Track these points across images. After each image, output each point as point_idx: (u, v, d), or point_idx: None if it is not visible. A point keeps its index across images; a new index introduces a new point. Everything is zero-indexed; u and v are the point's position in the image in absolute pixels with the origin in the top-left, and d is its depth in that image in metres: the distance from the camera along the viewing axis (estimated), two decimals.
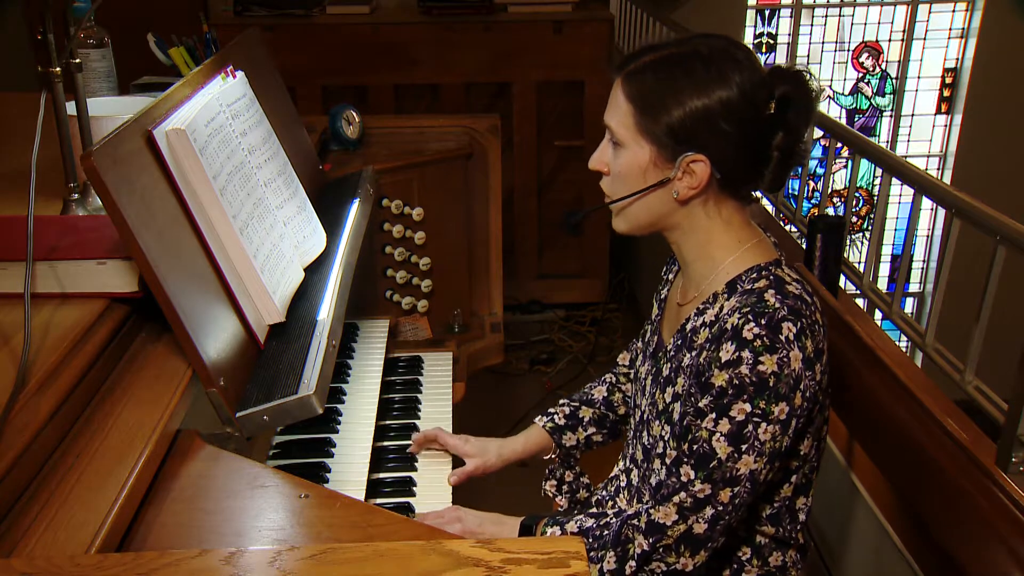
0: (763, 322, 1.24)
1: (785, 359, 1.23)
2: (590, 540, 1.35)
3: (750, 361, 1.23)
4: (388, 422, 1.75)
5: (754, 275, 1.32)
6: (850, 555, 1.88)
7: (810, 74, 1.31)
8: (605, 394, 1.69)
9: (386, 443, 1.68)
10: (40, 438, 1.02)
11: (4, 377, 1.04)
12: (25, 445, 0.98)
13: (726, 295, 1.33)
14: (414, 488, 1.58)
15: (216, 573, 0.85)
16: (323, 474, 1.49)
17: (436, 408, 1.82)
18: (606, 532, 1.35)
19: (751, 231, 1.36)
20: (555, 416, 1.67)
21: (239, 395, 1.28)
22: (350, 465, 1.53)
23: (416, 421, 1.76)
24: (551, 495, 1.69)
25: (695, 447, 1.28)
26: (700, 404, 1.28)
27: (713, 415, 1.26)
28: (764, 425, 1.24)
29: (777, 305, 1.25)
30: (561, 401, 1.71)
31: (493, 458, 1.63)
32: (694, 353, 1.33)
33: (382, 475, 1.60)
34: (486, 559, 0.84)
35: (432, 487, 1.58)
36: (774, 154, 1.30)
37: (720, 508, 1.27)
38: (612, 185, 1.37)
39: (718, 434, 1.25)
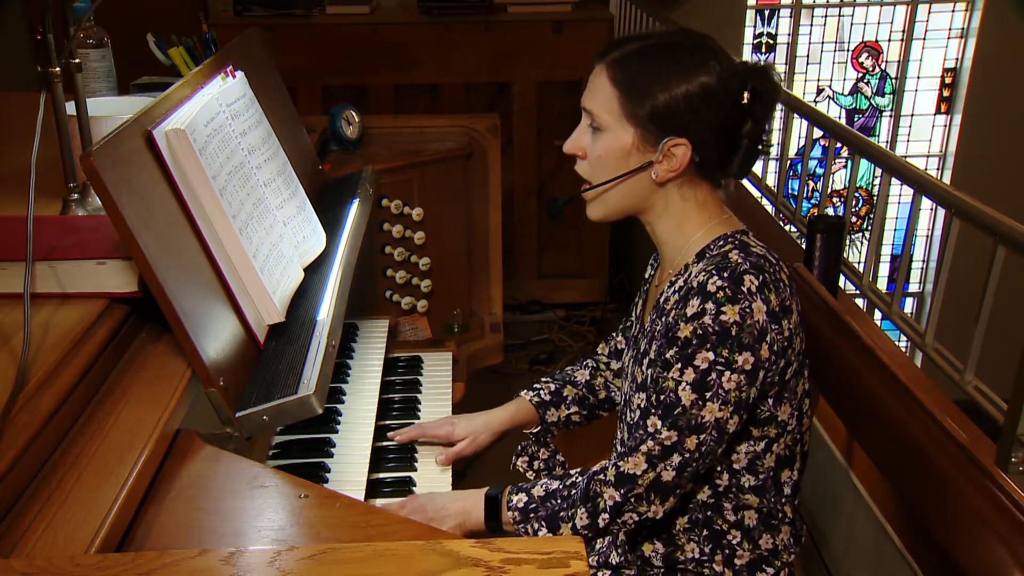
0: (725, 275, 1.30)
1: (747, 309, 1.29)
2: (558, 500, 1.39)
3: (712, 312, 1.29)
4: (388, 422, 1.75)
5: (721, 242, 1.39)
6: (850, 555, 1.88)
7: (772, 68, 1.39)
8: (588, 377, 1.73)
9: (386, 443, 1.68)
10: (40, 438, 1.02)
11: (4, 377, 1.05)
12: (25, 445, 0.99)
13: (696, 262, 1.39)
14: (414, 488, 1.57)
15: (216, 573, 0.85)
16: (323, 474, 1.49)
17: (436, 408, 1.82)
18: (573, 491, 1.38)
19: (721, 211, 1.43)
20: (541, 391, 1.70)
21: (239, 395, 1.28)
22: (350, 465, 1.53)
23: (416, 421, 1.76)
24: (522, 470, 1.71)
25: (662, 397, 1.32)
26: (666, 356, 1.33)
27: (679, 365, 1.31)
28: (728, 373, 1.29)
29: (739, 260, 1.32)
30: (544, 378, 1.74)
31: (485, 436, 1.66)
32: (664, 318, 1.38)
33: (382, 475, 1.60)
34: (486, 559, 0.85)
35: (432, 487, 1.58)
36: (744, 141, 1.38)
37: (687, 455, 1.32)
38: (591, 169, 1.41)
39: (683, 383, 1.30)
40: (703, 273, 1.32)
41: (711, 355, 1.29)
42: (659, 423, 1.32)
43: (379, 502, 1.53)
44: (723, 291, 1.29)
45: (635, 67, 1.34)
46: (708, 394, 1.29)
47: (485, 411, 1.69)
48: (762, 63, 1.39)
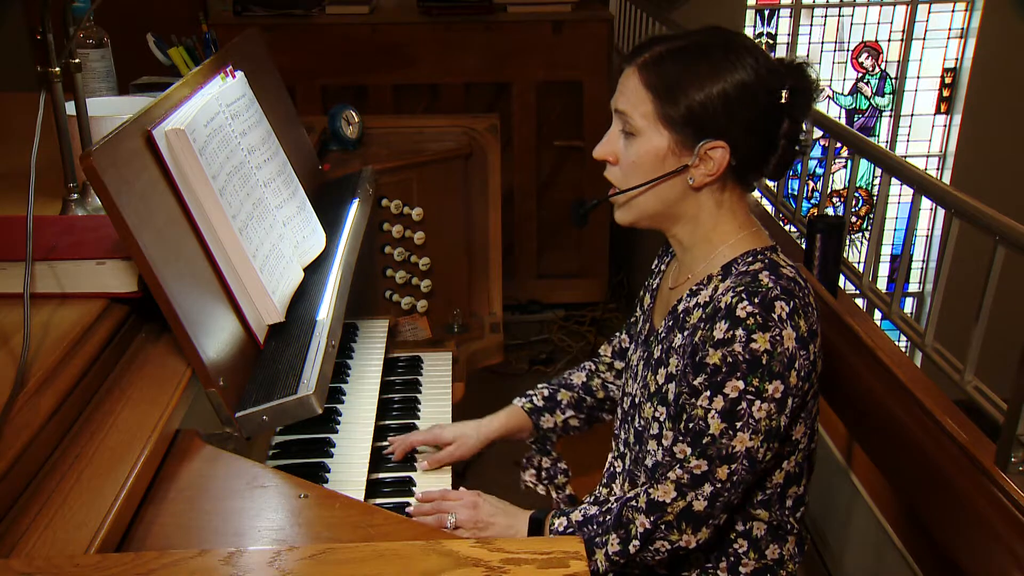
0: (756, 301, 1.26)
1: (778, 337, 1.25)
2: (594, 527, 1.38)
3: (743, 339, 1.25)
4: (388, 422, 1.75)
5: (749, 258, 1.35)
6: (850, 555, 1.88)
7: (810, 65, 1.35)
8: (584, 380, 1.70)
9: (386, 443, 1.68)
10: (39, 438, 1.02)
11: (3, 377, 1.04)
12: (25, 445, 0.98)
13: (721, 277, 1.36)
14: (413, 488, 1.57)
15: (216, 573, 0.85)
16: (322, 474, 1.49)
17: (435, 408, 1.82)
18: (608, 517, 1.37)
19: (750, 220, 1.40)
20: (534, 397, 1.68)
21: (238, 395, 1.28)
22: (350, 465, 1.53)
23: (416, 421, 1.76)
24: (531, 485, 1.70)
25: (691, 425, 1.30)
26: (694, 382, 1.30)
27: (707, 393, 1.28)
28: (758, 403, 1.26)
29: (771, 284, 1.28)
30: (540, 384, 1.72)
31: (472, 441, 1.63)
32: (686, 333, 1.36)
33: (382, 475, 1.60)
34: (485, 559, 0.84)
35: (432, 487, 1.57)
36: (781, 142, 1.34)
37: (719, 485, 1.29)
38: (623, 175, 1.37)
39: (712, 411, 1.28)
40: (731, 294, 1.28)
41: (741, 384, 1.26)
42: (688, 451, 1.30)
43: (377, 501, 1.53)
44: (754, 318, 1.25)
45: (668, 68, 1.30)
46: (739, 424, 1.27)
47: (476, 420, 1.66)
48: (798, 59, 1.35)
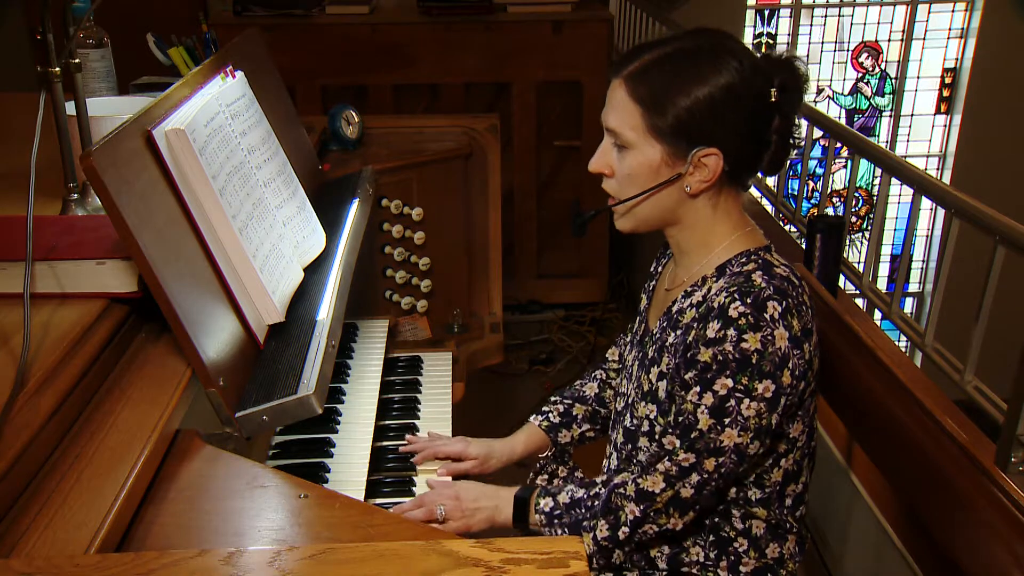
0: (748, 301, 1.27)
1: (769, 337, 1.26)
2: (582, 510, 1.40)
3: (734, 339, 1.26)
4: (388, 422, 1.75)
5: (743, 259, 1.36)
6: (850, 555, 1.88)
7: (798, 58, 1.34)
8: (597, 391, 1.71)
9: (386, 443, 1.68)
10: (39, 438, 1.02)
11: (4, 377, 1.05)
12: (24, 445, 0.98)
13: (715, 278, 1.36)
14: (413, 488, 1.57)
15: (216, 573, 0.85)
16: (322, 474, 1.49)
17: (435, 408, 1.82)
18: (596, 502, 1.39)
19: (745, 220, 1.40)
20: (550, 415, 1.69)
21: (238, 395, 1.28)
22: (349, 465, 1.53)
23: (416, 421, 1.76)
24: (542, 483, 1.70)
25: (680, 418, 1.32)
26: (685, 376, 1.31)
27: (697, 388, 1.29)
28: (747, 401, 1.27)
29: (763, 284, 1.29)
30: (553, 398, 1.73)
31: (493, 461, 1.64)
32: (679, 332, 1.36)
33: (382, 475, 1.60)
34: (485, 559, 0.85)
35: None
36: (773, 138, 1.34)
37: (706, 475, 1.32)
38: (619, 187, 1.37)
39: (702, 406, 1.29)
40: (724, 294, 1.29)
41: (730, 382, 1.27)
42: (677, 443, 1.32)
43: (377, 501, 1.53)
44: (745, 318, 1.26)
45: (655, 79, 1.29)
46: (727, 420, 1.28)
47: (500, 439, 1.67)
48: (786, 54, 1.34)
